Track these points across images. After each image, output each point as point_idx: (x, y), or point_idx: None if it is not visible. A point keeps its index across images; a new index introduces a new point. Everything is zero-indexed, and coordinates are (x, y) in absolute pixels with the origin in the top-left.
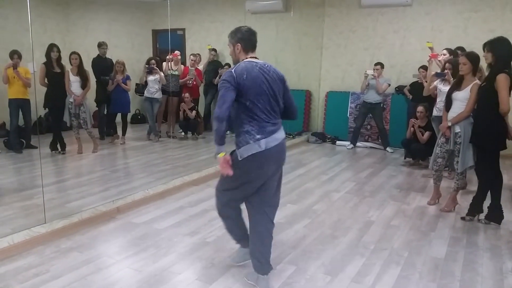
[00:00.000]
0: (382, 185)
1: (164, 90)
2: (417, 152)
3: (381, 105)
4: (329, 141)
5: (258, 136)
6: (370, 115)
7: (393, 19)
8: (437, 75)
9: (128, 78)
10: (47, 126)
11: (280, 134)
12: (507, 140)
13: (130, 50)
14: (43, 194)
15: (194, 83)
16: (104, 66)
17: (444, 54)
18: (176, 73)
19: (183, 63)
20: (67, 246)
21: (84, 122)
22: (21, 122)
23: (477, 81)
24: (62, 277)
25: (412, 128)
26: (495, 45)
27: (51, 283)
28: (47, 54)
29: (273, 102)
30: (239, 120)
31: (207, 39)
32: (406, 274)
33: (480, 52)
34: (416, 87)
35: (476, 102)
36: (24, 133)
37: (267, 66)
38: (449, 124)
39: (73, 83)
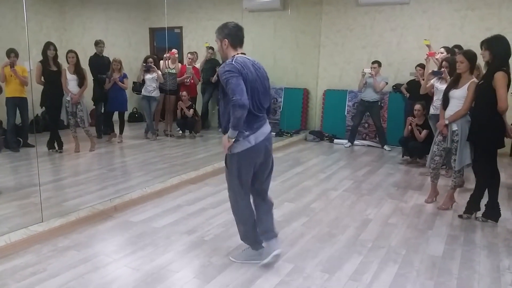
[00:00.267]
0: (380, 183)
1: (161, 89)
2: (415, 150)
3: (379, 103)
4: (326, 140)
5: (246, 133)
6: (368, 113)
7: (391, 17)
8: (434, 74)
9: (125, 76)
10: (44, 125)
11: (267, 128)
12: (505, 138)
13: (127, 49)
14: (40, 193)
15: (192, 81)
16: (101, 64)
17: (442, 52)
18: (174, 71)
19: (181, 61)
20: (64, 245)
21: (81, 120)
22: (18, 120)
23: (474, 79)
24: (59, 276)
25: (409, 126)
26: (493, 43)
27: (48, 282)
28: (44, 52)
29: (262, 98)
30: (228, 115)
31: (204, 37)
32: (403, 272)
33: (477, 50)
34: (413, 85)
35: (473, 100)
36: (21, 132)
37: (257, 63)
38: (446, 122)
39: (70, 81)
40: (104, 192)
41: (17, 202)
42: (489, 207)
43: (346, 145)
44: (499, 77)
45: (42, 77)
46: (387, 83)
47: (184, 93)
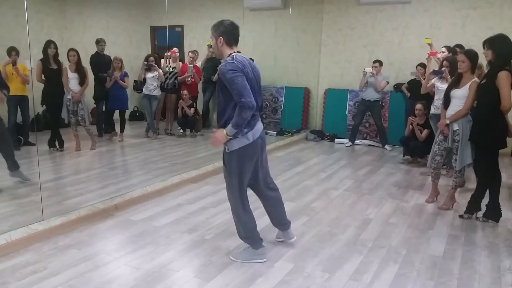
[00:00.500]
0: (381, 183)
1: (162, 87)
2: (416, 150)
3: (380, 102)
4: (327, 139)
5: (245, 130)
6: (369, 112)
7: (392, 16)
8: (435, 73)
9: (126, 75)
10: (45, 123)
11: (260, 125)
12: (507, 138)
13: (128, 47)
14: (41, 191)
15: (193, 80)
16: (102, 63)
17: (443, 52)
18: (175, 70)
19: (182, 60)
20: (65, 244)
21: (82, 119)
22: (19, 119)
23: (476, 79)
24: (60, 275)
25: (410, 126)
26: (496, 42)
27: (49, 280)
28: (44, 51)
29: (257, 96)
30: (227, 113)
31: (205, 36)
32: (404, 272)
33: (478, 49)
34: (414, 84)
35: (474, 100)
36: (22, 130)
37: (252, 62)
38: (447, 122)
39: (71, 80)
40: (105, 190)
41: (17, 200)
42: (490, 207)
43: (347, 145)
44: (503, 76)
45: (43, 75)
46: (388, 83)
47: (185, 91)
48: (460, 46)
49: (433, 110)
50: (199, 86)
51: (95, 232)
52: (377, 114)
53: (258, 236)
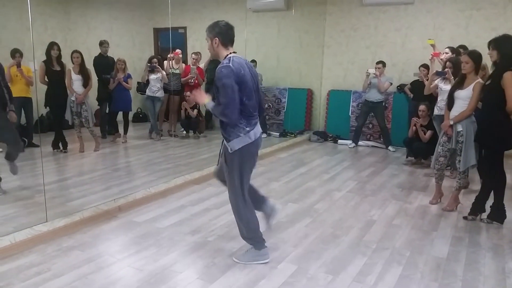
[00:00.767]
0: (384, 184)
1: (165, 89)
2: (419, 151)
3: (383, 104)
4: (330, 140)
5: (247, 129)
6: (372, 114)
7: (395, 17)
8: (438, 74)
9: (129, 76)
10: (48, 125)
11: (259, 125)
12: None
13: (132, 49)
14: (45, 193)
15: (196, 81)
16: (105, 64)
17: (446, 53)
18: (177, 71)
19: (185, 61)
20: (69, 245)
21: (86, 120)
22: (23, 120)
23: (480, 80)
24: (64, 276)
25: (414, 127)
26: (501, 43)
27: (53, 281)
28: (47, 52)
29: (256, 97)
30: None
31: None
32: (408, 274)
33: (482, 50)
34: (417, 85)
35: (478, 101)
36: (26, 132)
37: (249, 63)
38: (451, 122)
39: (75, 81)
40: (108, 192)
41: (21, 202)
42: (495, 208)
43: (350, 146)
44: (508, 77)
45: (46, 77)
46: (391, 84)
47: (188, 93)
48: (463, 47)
49: (436, 111)
50: (202, 88)
51: (98, 233)
52: (381, 115)
53: (261, 236)
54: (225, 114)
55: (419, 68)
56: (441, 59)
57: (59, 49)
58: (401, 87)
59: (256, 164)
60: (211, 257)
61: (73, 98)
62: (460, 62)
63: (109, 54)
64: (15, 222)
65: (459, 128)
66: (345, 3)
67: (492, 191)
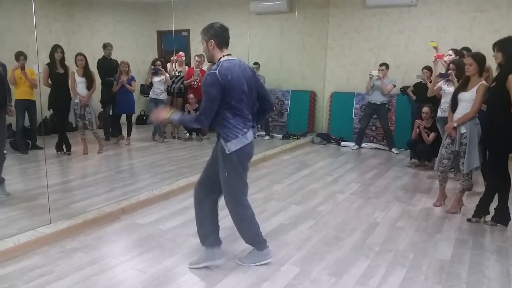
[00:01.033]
0: (387, 187)
1: (168, 91)
2: (423, 153)
3: (386, 106)
4: (334, 142)
5: (245, 130)
6: (375, 116)
7: (398, 20)
8: (441, 76)
9: (132, 79)
10: (52, 127)
11: (253, 128)
12: None
13: (135, 51)
14: (48, 195)
15: (199, 84)
16: (109, 67)
17: (450, 55)
18: (181, 74)
19: (188, 64)
20: (72, 247)
21: (89, 123)
22: (26, 123)
23: (484, 82)
24: (67, 278)
25: (417, 129)
26: (506, 45)
27: (56, 283)
28: (51, 55)
29: (250, 98)
30: (223, 115)
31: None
32: (411, 276)
33: (485, 52)
34: (420, 87)
35: (482, 103)
36: (29, 134)
37: (243, 63)
38: (455, 124)
39: (79, 84)
40: (112, 194)
41: (25, 204)
42: (499, 211)
43: (353, 148)
44: None
45: (49, 80)
46: (394, 86)
47: (191, 95)
48: (467, 49)
49: (440, 113)
50: None
51: (102, 235)
52: (384, 117)
53: (262, 238)
54: (199, 120)
55: (422, 70)
56: (444, 61)
57: (62, 52)
58: (404, 89)
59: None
60: None
61: (76, 101)
62: (464, 64)
63: (113, 56)
64: (18, 224)
65: (463, 130)
66: (348, 6)
67: (496, 193)
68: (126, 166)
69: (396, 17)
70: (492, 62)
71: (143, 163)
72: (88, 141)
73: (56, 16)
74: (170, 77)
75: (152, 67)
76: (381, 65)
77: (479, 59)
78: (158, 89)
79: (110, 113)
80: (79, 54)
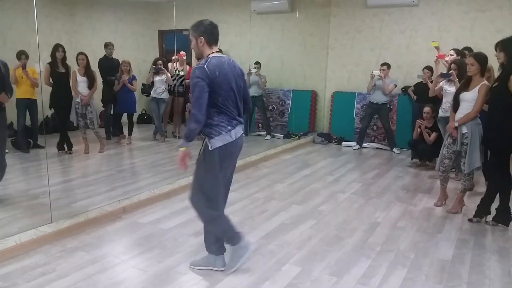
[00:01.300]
0: (389, 186)
1: (170, 91)
2: (424, 153)
3: (388, 105)
4: (335, 142)
5: (229, 127)
6: (376, 115)
7: (400, 19)
8: (442, 76)
9: (134, 78)
10: (53, 126)
11: (241, 128)
12: None
13: (136, 51)
14: (50, 194)
15: None
16: (110, 66)
17: (451, 55)
18: (182, 73)
19: (189, 63)
20: (73, 246)
21: (90, 122)
22: (28, 122)
23: (485, 82)
24: (68, 277)
25: (418, 129)
26: (508, 45)
27: (57, 282)
28: (52, 54)
29: (238, 97)
30: (208, 113)
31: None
32: (412, 276)
33: (487, 52)
34: (421, 87)
35: (483, 103)
36: (31, 133)
37: (232, 61)
38: (456, 124)
39: (80, 83)
40: (113, 193)
41: (26, 203)
42: (500, 211)
43: (354, 148)
44: None
45: (51, 79)
46: (396, 86)
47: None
48: (468, 48)
49: (441, 113)
50: None
51: (103, 234)
52: (385, 117)
53: (223, 248)
54: (193, 118)
55: (422, 70)
56: (446, 61)
57: (64, 51)
58: (405, 89)
59: (233, 170)
60: None
61: (78, 100)
62: (465, 64)
63: (114, 56)
64: (20, 223)
65: (464, 130)
66: (350, 5)
67: (498, 194)
68: (127, 165)
69: (398, 16)
70: (493, 62)
71: (144, 162)
72: (89, 140)
73: (57, 15)
74: (171, 76)
75: (154, 66)
76: (382, 65)
77: (481, 59)
78: (160, 89)
79: (112, 112)
80: (81, 53)
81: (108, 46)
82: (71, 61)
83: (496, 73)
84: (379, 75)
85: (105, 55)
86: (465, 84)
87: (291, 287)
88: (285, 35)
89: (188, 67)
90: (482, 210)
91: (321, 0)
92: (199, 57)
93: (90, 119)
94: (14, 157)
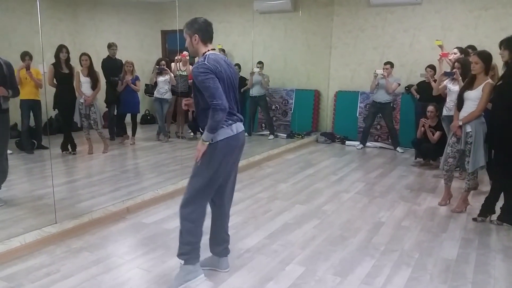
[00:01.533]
0: (393, 186)
1: (173, 91)
2: (428, 152)
3: (391, 104)
4: (338, 141)
5: (230, 122)
6: (380, 115)
7: (403, 18)
8: (446, 74)
9: (137, 78)
10: (57, 127)
11: (242, 124)
12: None
13: (140, 51)
14: (54, 194)
15: None
16: (113, 66)
17: (455, 53)
18: (185, 73)
19: (192, 63)
20: (78, 246)
21: (94, 122)
22: (32, 123)
23: (490, 80)
24: (73, 277)
25: (422, 128)
26: None
27: (62, 282)
28: (56, 55)
29: (236, 94)
30: (208, 109)
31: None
32: (416, 276)
33: (491, 50)
34: (423, 86)
35: (487, 102)
36: (35, 134)
37: (228, 60)
38: (460, 123)
39: (84, 84)
40: (117, 193)
41: (31, 204)
42: (505, 210)
43: (358, 147)
44: None
45: (55, 80)
46: (399, 84)
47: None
48: (472, 47)
49: (445, 112)
50: None
51: (107, 235)
52: (389, 116)
53: (198, 252)
54: (216, 107)
55: (425, 69)
56: (449, 59)
57: (67, 52)
58: (409, 88)
59: (236, 166)
60: None
61: (81, 100)
62: (469, 63)
63: (117, 56)
64: (24, 224)
65: (468, 129)
66: (353, 4)
67: (502, 192)
68: (131, 165)
69: (401, 15)
70: (497, 60)
71: (148, 162)
72: (93, 140)
73: (61, 17)
74: (175, 76)
75: (157, 66)
76: (385, 63)
77: (485, 57)
78: (163, 89)
79: (115, 113)
80: (84, 54)
81: (111, 46)
82: (74, 61)
83: (500, 72)
84: (382, 74)
85: (108, 55)
86: (469, 82)
87: (295, 287)
88: (288, 34)
89: (191, 67)
90: (486, 209)
91: None
92: (194, 55)
93: (93, 120)
94: (18, 158)
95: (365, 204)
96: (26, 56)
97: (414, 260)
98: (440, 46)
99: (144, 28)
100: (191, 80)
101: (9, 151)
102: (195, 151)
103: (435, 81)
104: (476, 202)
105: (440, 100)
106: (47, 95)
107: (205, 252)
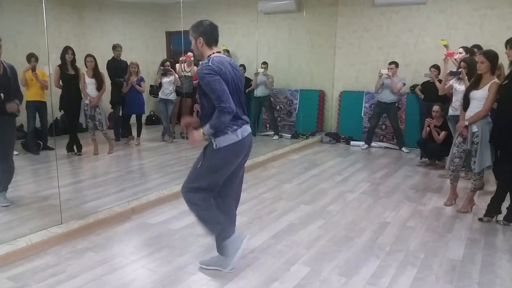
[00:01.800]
0: (398, 186)
1: (177, 92)
2: (433, 152)
3: (396, 104)
4: (343, 141)
5: (235, 127)
6: (385, 114)
7: (407, 18)
8: (452, 74)
9: (142, 79)
10: (63, 128)
11: (248, 126)
12: None
13: (144, 52)
14: (60, 195)
15: None
16: (119, 68)
17: (460, 53)
18: (189, 74)
19: (196, 64)
20: (83, 247)
21: (99, 123)
22: (37, 124)
23: (496, 80)
24: (78, 277)
25: (428, 128)
26: None
27: (67, 283)
28: (62, 57)
29: (241, 97)
30: (212, 112)
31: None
32: (422, 276)
33: (497, 49)
34: (428, 86)
35: (494, 101)
36: (41, 135)
37: (233, 62)
38: (466, 123)
39: (89, 85)
40: (122, 194)
41: (37, 204)
42: (511, 210)
43: (363, 147)
44: None
45: (60, 81)
46: (404, 84)
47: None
48: (478, 46)
49: (451, 112)
50: None
51: (112, 235)
52: (394, 116)
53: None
54: (223, 109)
55: (429, 68)
56: (455, 59)
57: (73, 53)
58: (414, 88)
59: (242, 167)
60: None
61: (87, 102)
62: (475, 62)
63: (122, 57)
64: (30, 224)
65: (474, 129)
66: (357, 4)
67: (508, 193)
68: (136, 166)
69: (405, 15)
70: (503, 60)
71: (153, 163)
72: (99, 141)
73: (66, 18)
74: (179, 77)
75: (162, 67)
76: (390, 63)
77: (491, 56)
78: (167, 90)
79: (120, 114)
80: (89, 55)
81: (116, 48)
82: (79, 63)
83: (507, 71)
84: (387, 74)
85: (113, 57)
86: (475, 82)
87: (300, 287)
88: (292, 34)
89: (195, 68)
90: (492, 209)
91: None
92: (199, 58)
93: (99, 121)
94: (24, 159)
95: (370, 204)
96: (32, 58)
97: (419, 261)
98: (445, 46)
99: (149, 30)
100: (196, 81)
101: (15, 152)
102: (198, 152)
103: (439, 81)
104: (482, 202)
105: (445, 100)
106: (53, 97)
107: (210, 251)
